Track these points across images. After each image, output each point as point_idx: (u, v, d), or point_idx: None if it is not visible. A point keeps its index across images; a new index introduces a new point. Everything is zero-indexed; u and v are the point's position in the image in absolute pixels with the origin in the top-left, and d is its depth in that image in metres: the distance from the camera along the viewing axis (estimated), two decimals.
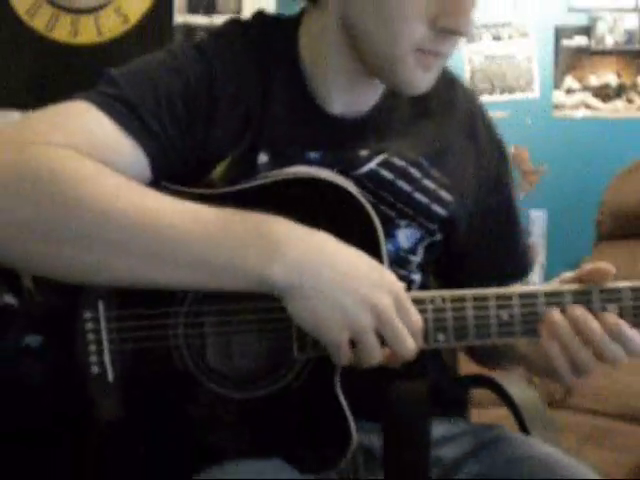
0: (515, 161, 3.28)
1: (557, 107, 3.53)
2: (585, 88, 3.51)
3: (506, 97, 3.55)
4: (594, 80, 3.51)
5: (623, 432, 2.29)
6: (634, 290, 1.03)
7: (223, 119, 1.09)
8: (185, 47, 1.12)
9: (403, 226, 1.15)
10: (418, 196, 1.15)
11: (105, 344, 1.02)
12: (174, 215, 0.94)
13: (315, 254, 0.94)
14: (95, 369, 1.02)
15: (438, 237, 1.19)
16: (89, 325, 1.02)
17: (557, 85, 3.53)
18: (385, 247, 1.04)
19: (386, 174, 1.13)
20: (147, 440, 1.04)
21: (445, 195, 1.17)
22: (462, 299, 1.02)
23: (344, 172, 1.11)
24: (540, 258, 3.25)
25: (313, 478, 1.06)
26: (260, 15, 1.17)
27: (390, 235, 1.14)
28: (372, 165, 1.12)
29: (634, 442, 2.21)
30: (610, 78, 3.50)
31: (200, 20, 3.29)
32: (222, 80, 1.10)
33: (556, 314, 1.02)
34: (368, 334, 0.95)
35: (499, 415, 1.44)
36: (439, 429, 1.20)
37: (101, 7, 3.21)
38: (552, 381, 1.10)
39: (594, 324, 1.01)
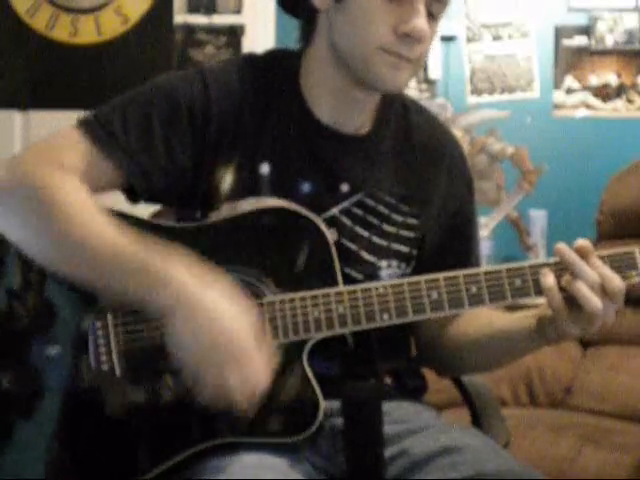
0: (515, 161, 3.28)
1: (557, 107, 3.53)
2: (585, 88, 3.52)
3: (506, 97, 3.56)
4: (594, 80, 3.52)
5: (623, 432, 2.29)
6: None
7: (211, 135, 1.30)
8: (191, 71, 1.35)
9: (384, 267, 1.35)
10: (376, 239, 1.35)
11: (113, 346, 1.24)
12: (107, 249, 1.19)
13: (193, 310, 1.15)
14: (105, 367, 1.24)
15: (408, 270, 1.39)
16: (100, 332, 1.25)
17: (557, 85, 3.53)
18: (339, 272, 1.26)
19: (358, 212, 1.34)
20: (153, 419, 1.25)
21: (411, 221, 1.37)
22: (400, 285, 1.25)
23: (322, 208, 1.31)
24: (540, 258, 3.25)
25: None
26: (272, 50, 1.41)
27: (376, 277, 1.34)
28: (346, 204, 1.33)
29: (634, 442, 2.21)
30: (610, 78, 3.50)
31: (200, 20, 3.29)
32: (216, 98, 1.30)
33: (563, 248, 1.22)
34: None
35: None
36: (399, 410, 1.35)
37: (101, 7, 3.22)
38: (563, 339, 1.24)
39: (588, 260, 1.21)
